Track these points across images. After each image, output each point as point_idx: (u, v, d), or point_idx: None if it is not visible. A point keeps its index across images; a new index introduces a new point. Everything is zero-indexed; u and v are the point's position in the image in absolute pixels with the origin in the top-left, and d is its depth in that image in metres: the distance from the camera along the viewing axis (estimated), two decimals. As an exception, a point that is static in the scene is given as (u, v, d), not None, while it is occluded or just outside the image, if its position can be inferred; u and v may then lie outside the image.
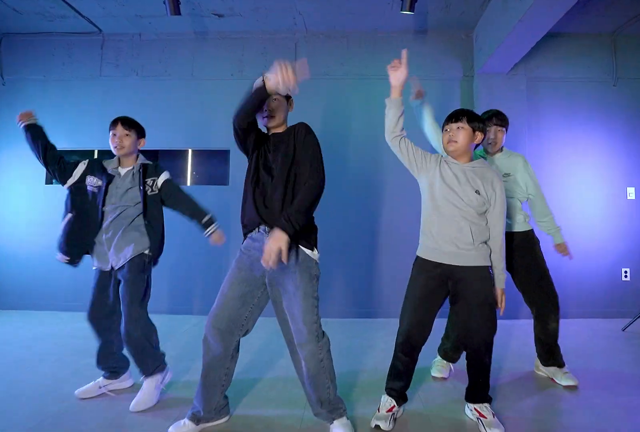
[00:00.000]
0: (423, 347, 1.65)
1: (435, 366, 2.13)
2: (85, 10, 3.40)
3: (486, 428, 1.53)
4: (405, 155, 1.64)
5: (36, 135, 1.87)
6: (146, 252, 1.81)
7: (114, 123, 1.89)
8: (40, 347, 2.53)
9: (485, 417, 1.56)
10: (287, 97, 1.61)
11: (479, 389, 1.62)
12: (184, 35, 3.71)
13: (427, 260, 1.61)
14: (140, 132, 1.94)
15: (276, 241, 1.33)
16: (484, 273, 1.59)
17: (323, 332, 1.51)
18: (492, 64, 3.29)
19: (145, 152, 3.81)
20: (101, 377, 1.89)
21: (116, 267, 1.81)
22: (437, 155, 1.68)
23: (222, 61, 3.68)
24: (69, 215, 1.84)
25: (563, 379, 1.97)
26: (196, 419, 1.54)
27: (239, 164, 3.52)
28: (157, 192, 1.87)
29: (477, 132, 1.60)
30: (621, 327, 3.02)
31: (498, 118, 2.12)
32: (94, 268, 1.89)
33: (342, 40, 3.65)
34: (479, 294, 1.56)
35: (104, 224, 1.82)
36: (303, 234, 1.46)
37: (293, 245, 1.44)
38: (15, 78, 3.73)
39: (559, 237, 2.17)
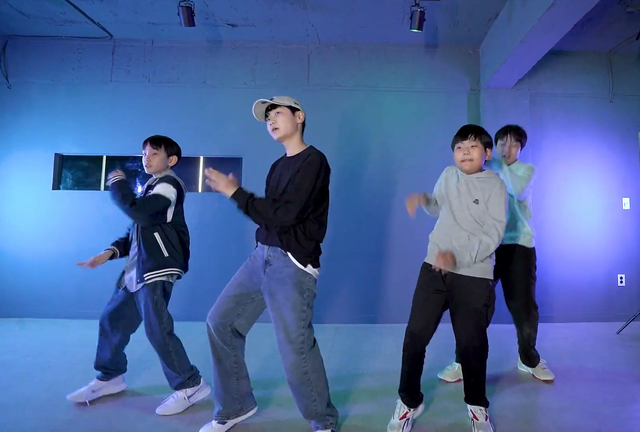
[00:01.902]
0: (436, 351, 1.74)
1: (445, 369, 2.23)
2: (96, 16, 3.39)
3: (475, 429, 1.60)
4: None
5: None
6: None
7: (144, 143, 1.92)
8: (49, 355, 2.52)
9: (478, 419, 1.62)
10: (294, 109, 1.59)
11: (471, 390, 1.66)
12: (197, 43, 3.73)
13: (431, 264, 1.69)
14: (169, 150, 1.94)
15: (224, 186, 1.45)
16: (480, 285, 1.62)
17: (313, 344, 1.52)
18: (498, 79, 3.43)
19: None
20: (95, 381, 1.89)
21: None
22: (446, 170, 1.79)
23: (235, 70, 3.71)
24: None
25: (542, 374, 2.21)
26: (222, 417, 1.57)
27: (252, 172, 3.57)
28: None
29: (487, 149, 1.69)
30: (616, 331, 3.19)
31: (516, 132, 2.25)
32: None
33: (353, 52, 3.74)
34: (469, 303, 1.61)
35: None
36: (301, 251, 1.50)
37: (287, 255, 1.50)
38: (21, 81, 3.67)
39: None
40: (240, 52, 3.73)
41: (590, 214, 3.64)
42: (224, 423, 1.57)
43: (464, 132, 1.66)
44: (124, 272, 1.91)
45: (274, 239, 1.52)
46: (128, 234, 1.97)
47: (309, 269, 1.52)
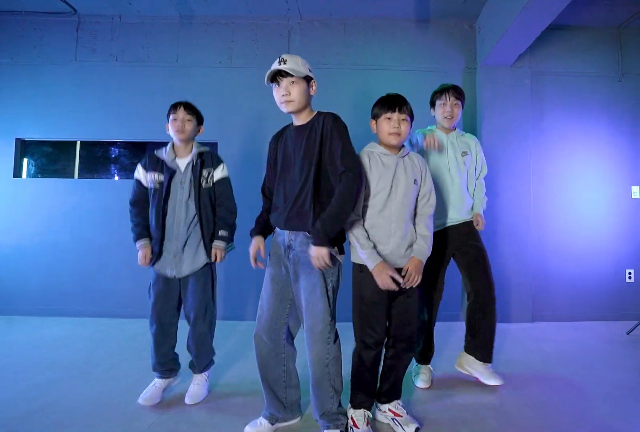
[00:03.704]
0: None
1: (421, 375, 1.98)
2: (58, -13, 3.11)
3: (403, 427, 1.50)
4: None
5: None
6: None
7: (175, 107, 1.76)
8: None
9: (400, 416, 1.54)
10: (308, 79, 1.45)
11: (398, 386, 1.59)
12: (168, 19, 3.43)
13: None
14: (200, 119, 1.84)
15: (316, 252, 1.34)
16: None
17: (336, 338, 1.43)
18: (496, 55, 3.14)
19: (124, 144, 3.58)
20: (157, 380, 1.76)
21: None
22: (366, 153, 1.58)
23: (210, 48, 3.42)
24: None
25: (491, 378, 1.88)
26: (272, 419, 1.53)
27: (227, 157, 3.25)
28: (210, 185, 1.77)
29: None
30: (626, 331, 2.91)
31: (455, 90, 2.00)
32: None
33: (339, 27, 3.44)
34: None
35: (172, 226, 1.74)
36: (335, 237, 1.40)
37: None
38: (-21, 61, 3.39)
39: (479, 207, 2.03)
40: (215, 29, 3.43)
41: (595, 204, 3.33)
42: (272, 424, 1.53)
43: (392, 102, 1.51)
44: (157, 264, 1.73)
45: (296, 222, 1.41)
46: (139, 222, 1.76)
47: (341, 258, 1.46)
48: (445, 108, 1.98)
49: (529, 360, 2.29)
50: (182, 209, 1.69)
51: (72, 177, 3.48)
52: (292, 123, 1.53)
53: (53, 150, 3.55)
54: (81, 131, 3.39)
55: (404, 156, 1.55)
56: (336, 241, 1.42)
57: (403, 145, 1.57)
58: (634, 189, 3.33)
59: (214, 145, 3.39)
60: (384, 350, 1.56)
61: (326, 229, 1.32)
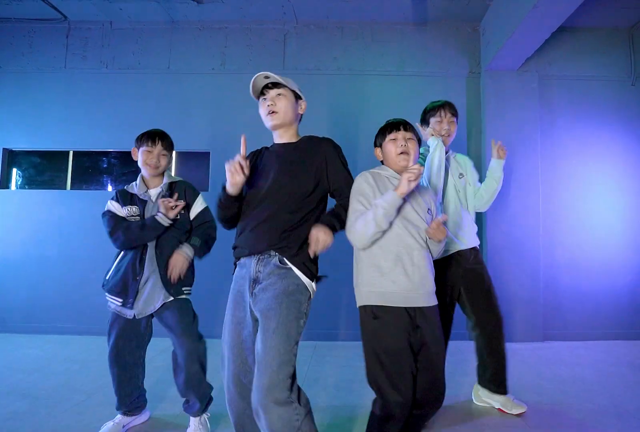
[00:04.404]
0: None
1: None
2: (46, -7, 3.02)
3: None
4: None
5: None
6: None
7: (152, 139, 1.61)
8: None
9: None
10: (297, 97, 1.36)
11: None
12: (159, 25, 3.33)
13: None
14: (172, 150, 1.71)
15: (323, 229, 1.23)
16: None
17: (299, 390, 1.13)
18: (501, 59, 2.98)
19: (116, 154, 3.46)
20: (119, 416, 1.63)
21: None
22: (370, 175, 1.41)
23: (202, 54, 3.31)
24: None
25: (514, 408, 1.78)
26: None
27: (220, 168, 3.13)
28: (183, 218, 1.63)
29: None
30: (645, 351, 2.70)
31: (451, 107, 1.85)
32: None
33: (336, 31, 3.31)
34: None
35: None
36: (303, 255, 1.23)
37: (286, 265, 1.21)
38: (-33, 68, 3.31)
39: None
40: (208, 34, 3.32)
41: (610, 213, 3.14)
42: None
43: (396, 123, 1.40)
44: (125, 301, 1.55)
45: (269, 246, 1.22)
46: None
47: (312, 286, 1.25)
48: (443, 125, 1.82)
49: (544, 388, 2.10)
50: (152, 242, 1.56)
51: (64, 188, 3.36)
52: (272, 144, 1.40)
53: (42, 160, 3.44)
54: (71, 141, 3.28)
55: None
56: (303, 260, 1.23)
57: None
58: (651, 197, 3.14)
59: (206, 155, 3.26)
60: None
61: (334, 223, 1.27)
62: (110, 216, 1.60)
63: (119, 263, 1.58)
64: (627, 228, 3.14)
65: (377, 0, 3.05)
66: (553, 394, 2.02)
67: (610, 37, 3.24)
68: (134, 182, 1.66)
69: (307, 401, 1.14)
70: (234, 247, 1.31)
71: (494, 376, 1.80)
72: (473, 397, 1.92)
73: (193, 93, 3.26)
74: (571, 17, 2.72)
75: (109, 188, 3.47)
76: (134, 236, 1.52)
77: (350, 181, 1.35)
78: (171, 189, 1.64)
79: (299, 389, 1.14)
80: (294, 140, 1.37)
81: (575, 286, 3.09)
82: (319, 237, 1.20)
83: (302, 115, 1.40)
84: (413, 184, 1.22)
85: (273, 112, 1.30)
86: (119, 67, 3.31)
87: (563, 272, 3.10)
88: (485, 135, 3.12)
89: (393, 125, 1.40)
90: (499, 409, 1.82)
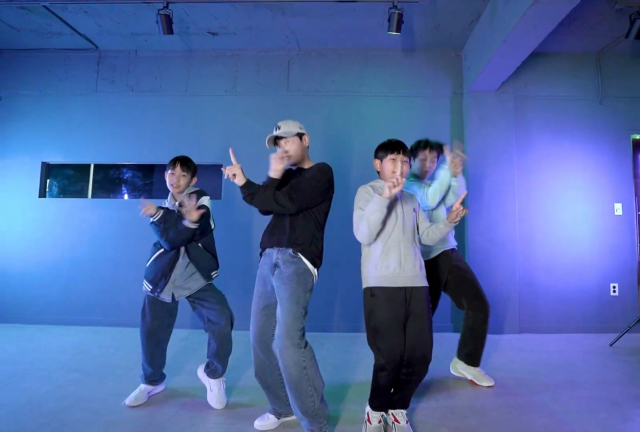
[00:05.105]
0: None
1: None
2: (81, 27, 3.47)
3: None
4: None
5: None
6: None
7: (174, 163, 2.00)
8: (27, 362, 2.52)
9: (399, 422, 1.67)
10: (300, 135, 1.75)
11: (408, 398, 1.70)
12: (178, 53, 3.77)
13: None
14: (194, 172, 2.08)
15: (236, 171, 1.59)
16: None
17: (306, 342, 1.59)
18: (481, 82, 3.35)
19: (139, 167, 3.90)
20: (143, 385, 2.00)
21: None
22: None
23: (216, 78, 3.74)
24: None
25: (484, 380, 2.17)
26: (276, 414, 1.75)
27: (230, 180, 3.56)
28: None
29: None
30: (609, 343, 3.03)
31: (432, 147, 2.24)
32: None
33: (334, 57, 3.73)
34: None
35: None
36: (309, 250, 1.64)
37: (297, 256, 1.62)
38: (11, 93, 3.78)
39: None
40: (221, 61, 3.76)
41: (580, 220, 3.49)
42: (278, 418, 1.75)
43: (394, 145, 1.72)
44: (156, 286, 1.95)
45: (285, 241, 1.64)
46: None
47: (314, 270, 1.66)
48: (426, 163, 2.24)
49: (512, 368, 2.47)
50: None
51: (86, 196, 3.80)
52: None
53: (73, 172, 3.89)
54: (98, 155, 3.72)
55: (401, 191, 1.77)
56: (311, 254, 1.65)
57: None
58: (617, 206, 3.48)
59: (219, 167, 3.66)
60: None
61: (252, 190, 1.59)
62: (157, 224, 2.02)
63: (157, 258, 1.98)
64: (594, 233, 3.48)
65: (371, 29, 3.45)
66: (519, 373, 2.39)
67: (579, 61, 3.61)
68: (165, 199, 2.08)
69: (312, 350, 1.61)
70: (261, 243, 1.75)
71: (471, 351, 2.18)
72: (450, 368, 2.29)
73: (208, 113, 3.69)
74: (543, 43, 3.07)
75: (125, 196, 3.96)
76: (179, 236, 1.93)
77: (295, 187, 1.64)
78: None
79: (306, 342, 1.59)
80: (306, 166, 1.79)
81: (549, 285, 3.44)
82: (232, 169, 1.58)
83: (308, 147, 1.79)
84: (395, 190, 1.53)
85: (288, 156, 1.69)
86: (143, 90, 3.76)
87: (537, 272, 3.45)
88: (467, 149, 3.50)
89: (394, 147, 1.71)
90: (470, 380, 2.19)
